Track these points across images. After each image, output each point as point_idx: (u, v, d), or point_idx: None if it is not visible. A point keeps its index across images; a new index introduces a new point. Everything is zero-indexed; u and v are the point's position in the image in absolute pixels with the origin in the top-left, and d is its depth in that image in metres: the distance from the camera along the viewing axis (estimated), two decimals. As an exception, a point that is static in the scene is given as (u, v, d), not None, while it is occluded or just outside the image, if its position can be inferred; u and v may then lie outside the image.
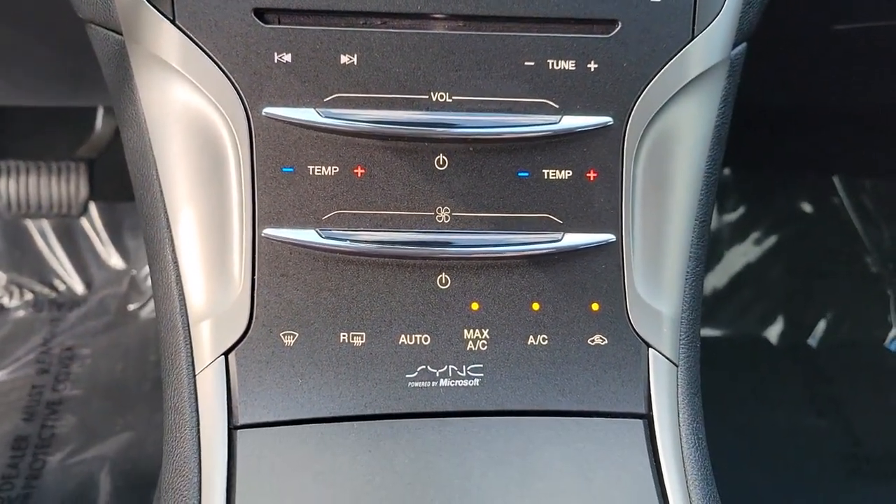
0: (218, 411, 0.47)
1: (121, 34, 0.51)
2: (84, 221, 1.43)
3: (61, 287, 1.41)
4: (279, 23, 0.50)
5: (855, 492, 1.20)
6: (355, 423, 0.46)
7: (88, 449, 1.21)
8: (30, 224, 1.42)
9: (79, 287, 1.42)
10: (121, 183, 1.38)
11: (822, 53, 0.96)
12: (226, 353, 0.48)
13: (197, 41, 0.49)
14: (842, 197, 1.52)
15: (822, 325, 1.46)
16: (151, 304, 1.40)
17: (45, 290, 1.41)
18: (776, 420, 1.29)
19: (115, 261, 1.44)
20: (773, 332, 1.44)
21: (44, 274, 1.42)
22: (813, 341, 1.46)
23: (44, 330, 1.37)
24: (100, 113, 1.31)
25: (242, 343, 0.48)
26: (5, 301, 1.39)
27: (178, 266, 0.50)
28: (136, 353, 1.34)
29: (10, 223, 1.41)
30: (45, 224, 1.43)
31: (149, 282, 1.41)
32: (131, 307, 1.39)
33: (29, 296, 1.40)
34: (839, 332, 1.46)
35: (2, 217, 1.41)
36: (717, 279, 1.46)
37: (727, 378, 1.34)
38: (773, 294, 1.46)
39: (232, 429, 0.46)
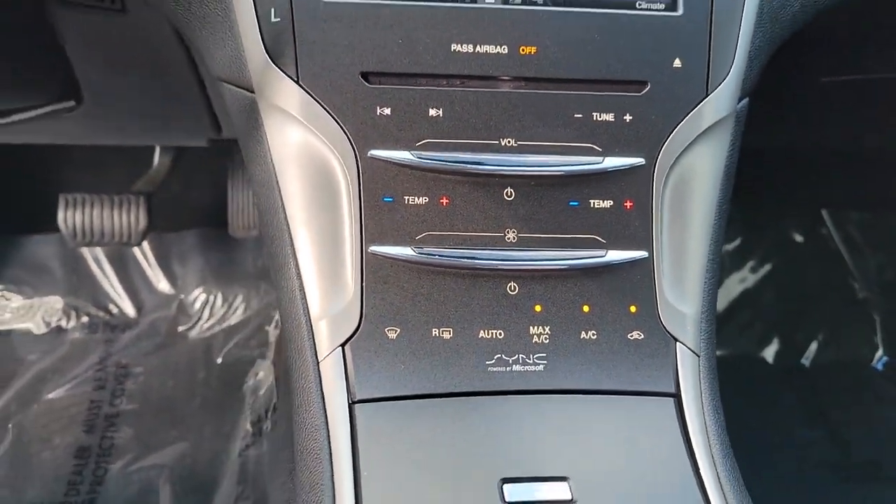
0: (339, 390, 0.59)
1: (252, 92, 0.64)
2: (135, 249, 1.55)
3: (114, 310, 1.53)
4: (380, 83, 0.63)
5: (846, 495, 1.31)
6: (447, 399, 0.59)
7: (146, 458, 1.32)
8: (85, 251, 1.54)
9: (130, 310, 1.53)
10: (169, 214, 1.51)
11: (812, 102, 1.10)
12: (342, 345, 0.60)
13: (316, 97, 0.62)
14: (830, 228, 1.65)
15: (813, 346, 1.59)
16: (199, 326, 1.51)
17: (100, 313, 1.53)
18: (772, 431, 1.41)
19: (163, 286, 1.56)
20: (769, 352, 1.57)
21: (98, 298, 1.54)
22: (805, 360, 1.58)
23: (99, 350, 1.48)
24: (157, 151, 1.44)
25: (355, 337, 0.60)
26: (63, 323, 1.51)
27: (300, 276, 0.62)
28: (185, 371, 1.46)
29: (68, 251, 1.53)
30: (99, 251, 1.55)
31: (196, 305, 1.54)
32: (180, 329, 1.51)
33: (85, 318, 1.52)
34: (829, 352, 1.58)
35: (61, 245, 1.53)
36: (717, 303, 1.59)
37: (727, 393, 1.46)
38: (769, 317, 1.59)
39: (351, 403, 0.58)
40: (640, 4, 0.65)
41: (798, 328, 1.59)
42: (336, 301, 0.61)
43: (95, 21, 0.83)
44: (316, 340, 0.61)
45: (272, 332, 1.49)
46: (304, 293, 0.62)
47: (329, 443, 0.57)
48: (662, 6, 0.65)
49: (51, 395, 1.41)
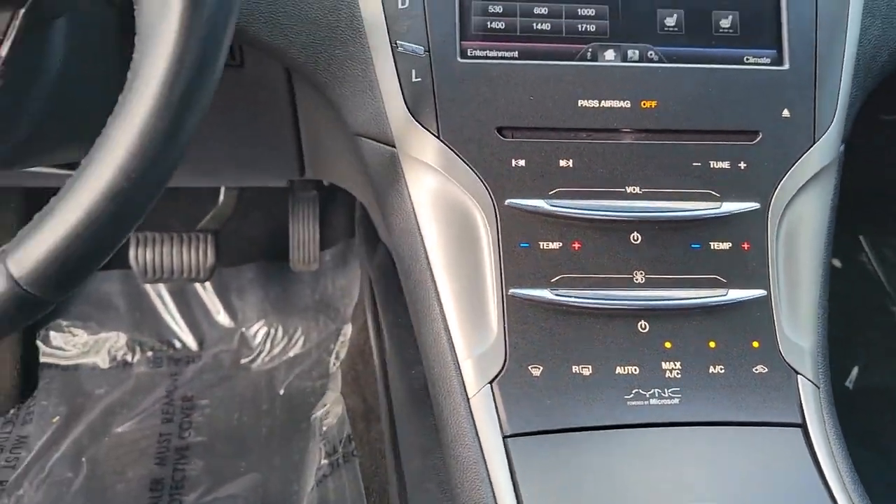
0: (492, 425, 0.63)
1: (393, 146, 0.69)
2: (195, 284, 1.59)
3: (178, 344, 1.57)
4: (514, 137, 0.68)
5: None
6: (592, 432, 0.63)
7: (219, 489, 1.35)
8: (148, 287, 1.58)
9: (193, 344, 1.57)
10: (228, 249, 1.55)
11: (870, 138, 1.15)
12: (490, 382, 0.64)
13: (456, 151, 0.67)
14: (868, 253, 1.70)
15: (856, 370, 1.63)
16: (261, 358, 1.55)
17: (164, 348, 1.56)
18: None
19: (223, 319, 1.59)
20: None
21: (161, 332, 1.57)
22: (849, 384, 1.62)
23: (165, 383, 1.52)
24: (222, 191, 1.48)
25: (502, 374, 0.64)
26: (128, 357, 1.54)
27: (445, 319, 0.66)
28: (249, 403, 1.49)
29: (131, 286, 1.57)
30: (162, 287, 1.59)
31: (257, 338, 1.58)
32: (243, 361, 1.54)
33: (149, 353, 1.55)
34: (872, 375, 1.62)
35: (124, 281, 1.57)
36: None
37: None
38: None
39: (504, 437, 0.62)
40: (747, 59, 0.70)
41: (842, 353, 1.63)
42: (481, 342, 0.65)
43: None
44: (464, 379, 0.65)
45: (333, 364, 1.53)
46: (450, 335, 0.66)
47: (489, 474, 0.61)
48: (768, 60, 0.70)
49: (120, 429, 1.44)
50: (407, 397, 0.82)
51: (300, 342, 1.57)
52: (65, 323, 1.55)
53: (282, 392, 1.50)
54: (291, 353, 1.55)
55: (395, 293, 1.07)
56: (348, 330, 1.53)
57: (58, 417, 1.45)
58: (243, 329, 1.58)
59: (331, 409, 1.41)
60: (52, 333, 1.54)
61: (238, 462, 1.40)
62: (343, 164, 0.96)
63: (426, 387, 0.81)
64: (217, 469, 1.39)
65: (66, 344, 1.54)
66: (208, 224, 1.47)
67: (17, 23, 0.47)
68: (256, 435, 1.45)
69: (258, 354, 1.56)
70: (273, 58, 0.72)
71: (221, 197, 1.49)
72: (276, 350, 1.56)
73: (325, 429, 1.38)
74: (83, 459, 1.38)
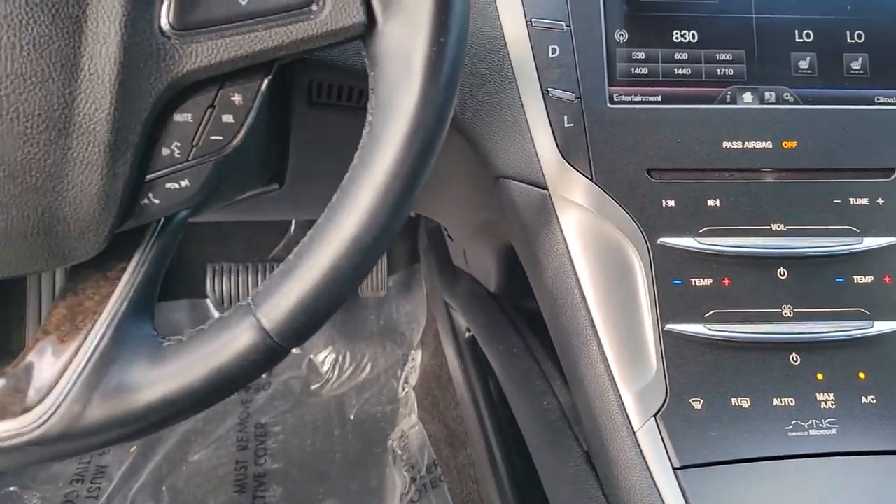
0: (661, 458, 0.65)
1: (544, 188, 0.72)
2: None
3: (247, 372, 1.58)
4: (663, 178, 0.70)
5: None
6: (758, 463, 0.65)
7: (301, 515, 1.37)
8: (215, 315, 1.60)
9: (262, 371, 1.59)
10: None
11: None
12: (654, 416, 0.67)
13: (609, 193, 0.70)
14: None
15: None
16: (330, 384, 1.57)
17: (233, 375, 1.58)
18: None
19: (290, 346, 1.61)
20: None
21: (230, 360, 1.59)
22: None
23: (237, 411, 1.54)
24: (293, 221, 1.51)
25: (665, 408, 0.67)
26: (199, 386, 1.56)
27: (604, 355, 0.69)
28: (322, 429, 1.51)
29: (199, 315, 1.59)
30: (228, 316, 1.60)
31: (325, 364, 1.60)
32: (313, 387, 1.57)
33: (219, 380, 1.57)
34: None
35: (192, 310, 1.59)
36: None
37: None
38: None
39: (674, 469, 0.65)
40: (878, 99, 0.73)
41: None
42: (642, 376, 0.68)
43: (332, 117, 0.91)
44: (628, 413, 0.67)
45: (402, 389, 1.55)
46: (610, 371, 0.68)
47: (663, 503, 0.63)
48: (898, 100, 0.73)
49: (197, 457, 1.46)
50: (541, 428, 0.84)
51: (368, 368, 1.59)
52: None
53: (352, 417, 1.53)
54: (360, 379, 1.58)
55: (495, 323, 1.09)
56: (418, 355, 1.55)
57: (135, 447, 1.46)
58: (311, 355, 1.61)
59: (409, 434, 1.43)
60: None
61: (316, 488, 1.42)
62: (454, 201, 0.98)
63: (563, 417, 0.84)
64: (296, 495, 1.41)
65: (137, 373, 1.56)
66: (280, 253, 1.49)
67: (262, 91, 0.49)
68: (331, 461, 1.47)
69: (327, 380, 1.58)
70: None
71: (293, 227, 1.52)
72: (345, 376, 1.58)
73: (405, 454, 1.40)
74: (163, 488, 1.40)
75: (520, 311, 1.08)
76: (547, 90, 0.71)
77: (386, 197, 0.49)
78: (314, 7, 0.48)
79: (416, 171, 0.49)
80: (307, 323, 0.50)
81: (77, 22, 0.44)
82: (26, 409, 0.48)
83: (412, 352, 1.57)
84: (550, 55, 0.71)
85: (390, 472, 1.41)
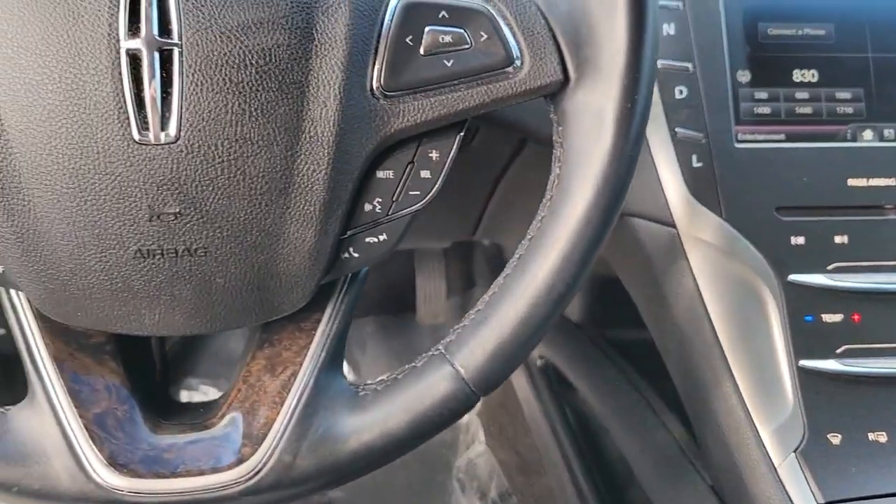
0: (805, 494, 0.66)
1: (671, 226, 0.73)
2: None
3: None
4: (792, 216, 0.72)
5: None
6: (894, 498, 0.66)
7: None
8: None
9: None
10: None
11: None
12: (794, 451, 0.68)
13: (739, 231, 0.71)
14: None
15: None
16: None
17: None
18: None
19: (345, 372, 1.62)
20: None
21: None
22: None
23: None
24: None
25: (804, 444, 0.68)
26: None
27: (739, 391, 0.70)
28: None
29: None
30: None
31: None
32: (373, 415, 1.56)
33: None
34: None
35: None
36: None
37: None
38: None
39: (820, 504, 0.66)
40: None
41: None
42: (779, 413, 0.69)
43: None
44: (768, 449, 0.68)
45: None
46: (746, 407, 0.69)
47: None
48: None
49: (261, 487, 1.46)
50: (657, 462, 0.85)
51: (426, 394, 1.59)
52: (195, 381, 1.57)
53: (412, 444, 1.53)
54: (418, 405, 1.58)
55: (584, 353, 1.10)
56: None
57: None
58: (368, 380, 1.60)
59: (476, 462, 1.43)
60: (182, 392, 1.56)
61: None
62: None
63: (682, 452, 0.85)
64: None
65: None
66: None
67: (456, 146, 0.51)
68: (395, 488, 1.47)
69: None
70: (541, 144, 0.76)
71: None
72: (404, 403, 1.58)
73: (473, 482, 1.40)
74: (231, 519, 1.40)
75: (608, 341, 1.09)
76: (675, 130, 0.72)
77: (577, 247, 0.50)
78: (513, 67, 0.49)
79: (606, 221, 0.50)
80: (502, 371, 0.51)
81: (300, 88, 0.45)
82: (240, 461, 0.49)
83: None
84: (678, 96, 0.72)
85: (457, 500, 1.41)
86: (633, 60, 0.48)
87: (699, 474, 0.79)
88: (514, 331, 0.50)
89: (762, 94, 0.74)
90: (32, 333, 0.50)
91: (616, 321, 0.82)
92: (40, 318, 0.51)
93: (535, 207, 0.93)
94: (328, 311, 0.54)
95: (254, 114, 0.45)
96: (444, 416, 0.51)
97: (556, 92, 0.50)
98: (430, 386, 0.51)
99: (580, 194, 0.50)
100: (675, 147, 0.72)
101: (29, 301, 0.51)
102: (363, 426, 0.51)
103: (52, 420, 0.49)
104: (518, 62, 0.49)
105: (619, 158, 0.49)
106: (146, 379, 0.55)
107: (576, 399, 1.18)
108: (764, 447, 0.68)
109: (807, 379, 0.70)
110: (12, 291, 0.51)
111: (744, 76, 0.74)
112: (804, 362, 0.70)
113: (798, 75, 0.75)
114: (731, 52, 0.74)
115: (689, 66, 0.73)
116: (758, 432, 0.69)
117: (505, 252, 1.41)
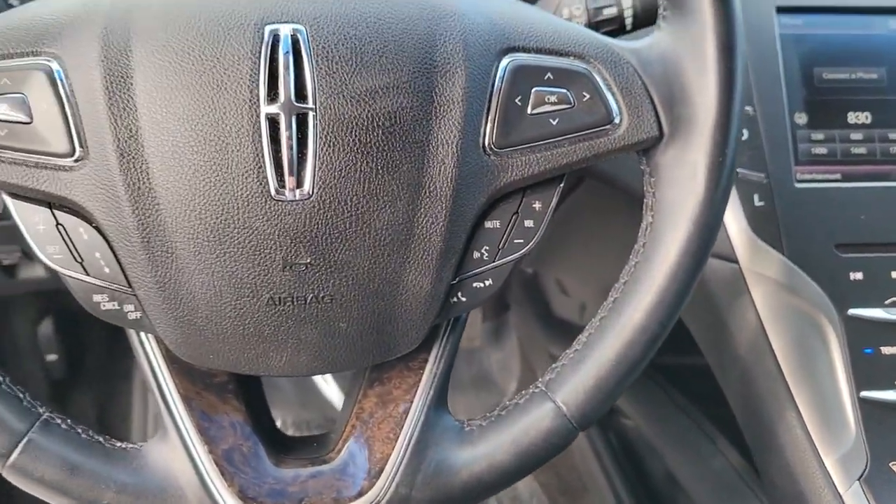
0: None
1: (734, 262, 0.76)
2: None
3: (344, 422, 1.62)
4: (851, 253, 0.75)
5: None
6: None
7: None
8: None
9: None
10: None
11: None
12: (857, 479, 0.71)
13: (800, 267, 0.74)
14: None
15: None
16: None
17: (330, 425, 1.61)
18: None
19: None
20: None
21: (326, 411, 1.62)
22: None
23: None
24: None
25: (867, 472, 0.71)
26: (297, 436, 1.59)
27: (803, 421, 0.73)
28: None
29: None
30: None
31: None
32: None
33: (315, 432, 1.60)
34: None
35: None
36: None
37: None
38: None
39: (887, 530, 0.69)
40: None
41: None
42: (842, 442, 0.72)
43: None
44: (832, 476, 0.71)
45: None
46: (810, 436, 0.72)
47: None
48: None
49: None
50: (714, 487, 0.88)
51: (462, 416, 1.62)
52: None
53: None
54: (455, 428, 1.60)
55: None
56: (515, 404, 1.58)
57: None
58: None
59: (517, 484, 1.45)
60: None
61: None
62: (603, 262, 1.02)
63: (740, 478, 0.87)
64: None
65: (238, 425, 1.59)
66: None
67: (557, 196, 0.54)
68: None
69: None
70: (617, 189, 0.80)
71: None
72: (440, 425, 1.61)
73: (514, 503, 1.42)
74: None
75: (652, 365, 1.12)
76: (737, 171, 0.76)
77: (670, 290, 0.53)
78: (612, 124, 0.52)
79: (697, 266, 0.54)
80: (600, 407, 0.54)
81: (422, 147, 0.49)
82: (360, 493, 0.52)
83: (505, 401, 1.60)
84: (742, 138, 0.76)
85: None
86: (724, 118, 0.52)
87: (759, 500, 0.82)
88: (612, 370, 0.53)
89: (819, 136, 0.77)
90: (162, 373, 0.54)
91: (663, 346, 0.85)
92: (169, 358, 0.54)
93: (579, 241, 0.96)
94: (434, 351, 0.57)
95: (380, 171, 0.48)
96: (548, 450, 0.54)
97: (650, 146, 0.54)
98: (535, 422, 0.54)
99: (673, 241, 0.53)
100: (737, 187, 0.76)
101: (158, 342, 0.54)
102: (473, 459, 0.54)
103: (184, 456, 0.52)
104: (617, 120, 0.52)
105: (710, 208, 0.53)
106: (264, 415, 0.58)
107: (618, 420, 1.21)
108: (829, 476, 0.71)
109: (868, 409, 0.73)
110: (142, 333, 0.54)
111: (801, 118, 0.77)
112: (865, 393, 0.73)
113: (853, 117, 0.78)
114: (789, 95, 0.77)
115: (750, 109, 0.77)
116: (822, 461, 0.72)
117: (541, 278, 1.45)
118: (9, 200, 0.49)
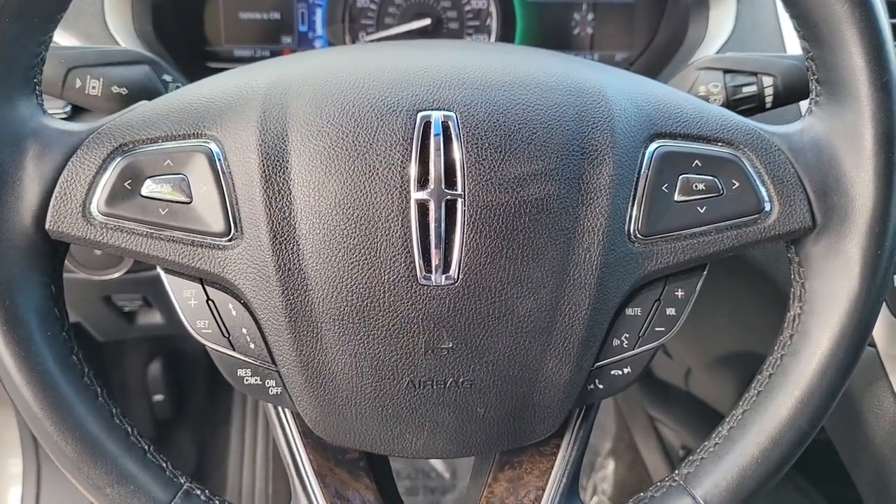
0: None
1: (871, 346, 0.73)
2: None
3: (433, 474, 1.61)
4: None
5: None
6: None
7: None
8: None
9: (446, 473, 1.61)
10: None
11: None
12: None
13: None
14: None
15: None
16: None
17: (419, 476, 1.61)
18: None
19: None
20: None
21: (418, 463, 1.62)
22: None
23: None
24: None
25: None
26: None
27: None
28: None
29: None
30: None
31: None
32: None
33: (406, 481, 1.60)
34: None
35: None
36: None
37: None
38: None
39: None
40: None
41: None
42: None
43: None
44: None
45: (589, 497, 1.54)
46: None
47: None
48: None
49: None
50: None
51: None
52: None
53: None
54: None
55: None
56: (609, 465, 1.54)
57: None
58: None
59: None
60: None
61: None
62: (713, 331, 0.99)
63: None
64: None
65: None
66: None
67: (700, 283, 0.53)
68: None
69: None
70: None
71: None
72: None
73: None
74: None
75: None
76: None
77: (821, 385, 0.51)
78: (763, 213, 0.51)
79: (851, 363, 0.51)
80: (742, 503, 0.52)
81: (568, 234, 0.48)
82: None
83: (600, 459, 1.56)
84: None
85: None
86: (883, 208, 0.50)
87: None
88: (756, 468, 0.51)
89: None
90: (298, 449, 0.54)
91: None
92: (304, 433, 0.54)
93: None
94: (567, 436, 0.56)
95: (525, 259, 0.48)
96: None
97: (801, 236, 0.52)
98: None
99: (825, 337, 0.51)
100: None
101: (295, 417, 0.54)
102: None
103: None
104: (767, 208, 0.51)
105: (866, 302, 0.50)
106: (393, 493, 0.58)
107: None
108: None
109: None
110: (279, 407, 0.55)
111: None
112: None
113: None
114: None
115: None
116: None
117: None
118: (163, 275, 0.51)
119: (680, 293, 0.53)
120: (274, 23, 0.93)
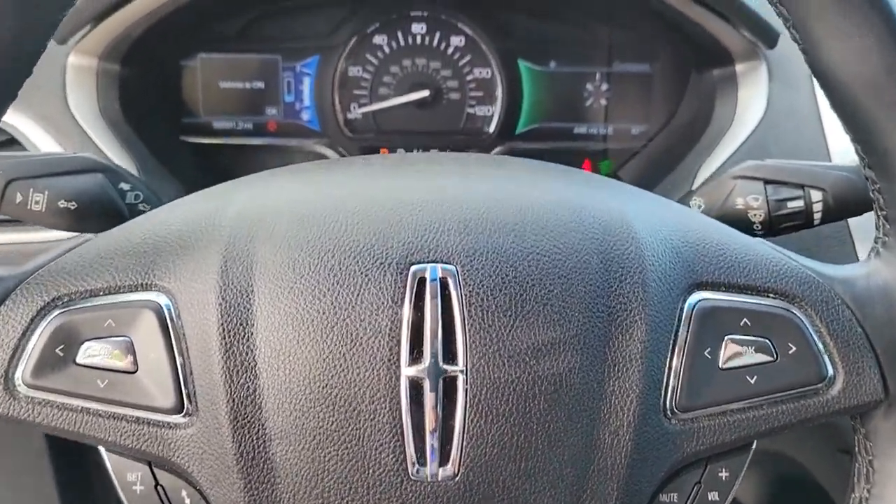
0: None
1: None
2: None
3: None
4: None
5: None
6: None
7: None
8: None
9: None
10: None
11: None
12: None
13: None
14: None
15: None
16: None
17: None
18: None
19: None
20: None
21: None
22: None
23: None
24: None
25: None
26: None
27: None
28: None
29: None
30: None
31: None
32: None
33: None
34: None
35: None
36: None
37: None
38: None
39: None
40: None
41: None
42: None
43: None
44: None
45: None
46: None
47: None
48: None
49: None
50: None
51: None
52: None
53: None
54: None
55: None
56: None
57: None
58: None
59: None
60: None
61: None
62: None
63: None
64: None
65: None
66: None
67: (748, 462, 0.45)
68: None
69: None
70: None
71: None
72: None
73: None
74: None
75: None
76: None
77: None
78: (825, 383, 0.42)
79: None
80: None
81: (592, 415, 0.40)
82: None
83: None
84: None
85: None
86: None
87: None
88: None
89: None
90: None
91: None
92: None
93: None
94: None
95: (541, 447, 0.39)
96: None
97: (870, 409, 0.43)
98: None
99: None
100: None
101: None
102: None
103: None
104: (830, 378, 0.42)
105: None
106: None
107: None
108: None
109: None
110: None
111: None
112: None
113: None
114: None
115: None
116: None
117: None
118: (104, 453, 0.42)
119: (724, 474, 0.44)
120: (258, 92, 0.85)
